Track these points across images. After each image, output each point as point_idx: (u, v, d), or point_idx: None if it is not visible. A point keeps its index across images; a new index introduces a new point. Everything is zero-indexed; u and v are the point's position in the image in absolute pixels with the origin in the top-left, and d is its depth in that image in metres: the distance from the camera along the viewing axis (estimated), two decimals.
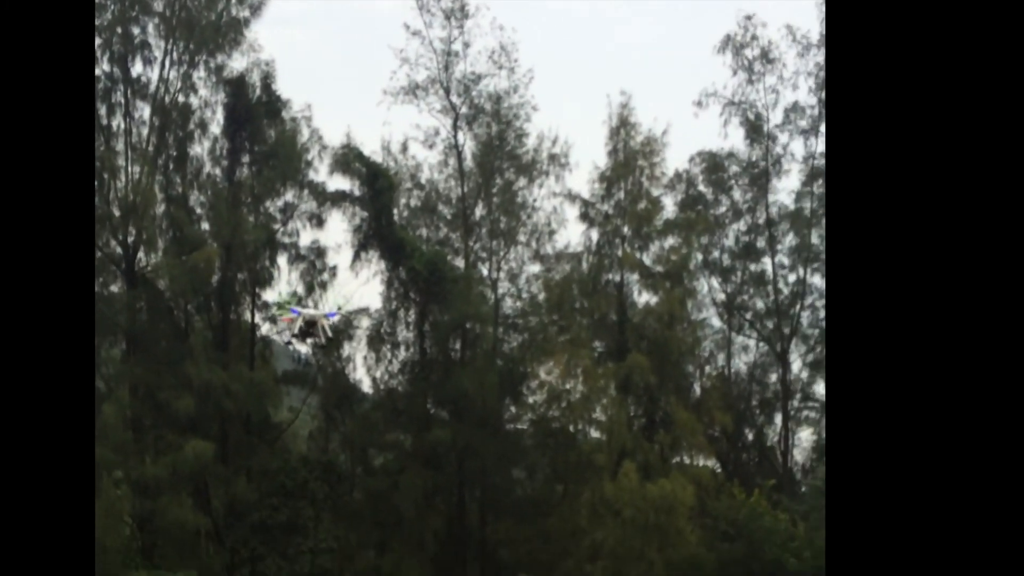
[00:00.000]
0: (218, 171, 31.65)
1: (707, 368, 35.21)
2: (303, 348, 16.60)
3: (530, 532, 30.04)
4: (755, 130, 35.30)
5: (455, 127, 33.52)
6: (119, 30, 29.90)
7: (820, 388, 35.70)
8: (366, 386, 33.44)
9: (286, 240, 32.62)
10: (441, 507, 31.16)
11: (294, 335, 15.54)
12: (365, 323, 32.84)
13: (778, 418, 35.40)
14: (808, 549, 25.59)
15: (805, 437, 35.87)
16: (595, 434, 31.09)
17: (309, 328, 14.88)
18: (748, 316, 36.56)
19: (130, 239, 29.34)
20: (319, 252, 32.86)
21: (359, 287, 39.82)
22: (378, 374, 33.06)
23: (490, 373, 31.22)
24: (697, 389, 33.74)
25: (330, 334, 15.81)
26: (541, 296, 33.87)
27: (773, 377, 36.06)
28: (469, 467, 31.74)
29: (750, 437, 35.85)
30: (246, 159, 32.10)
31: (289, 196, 32.67)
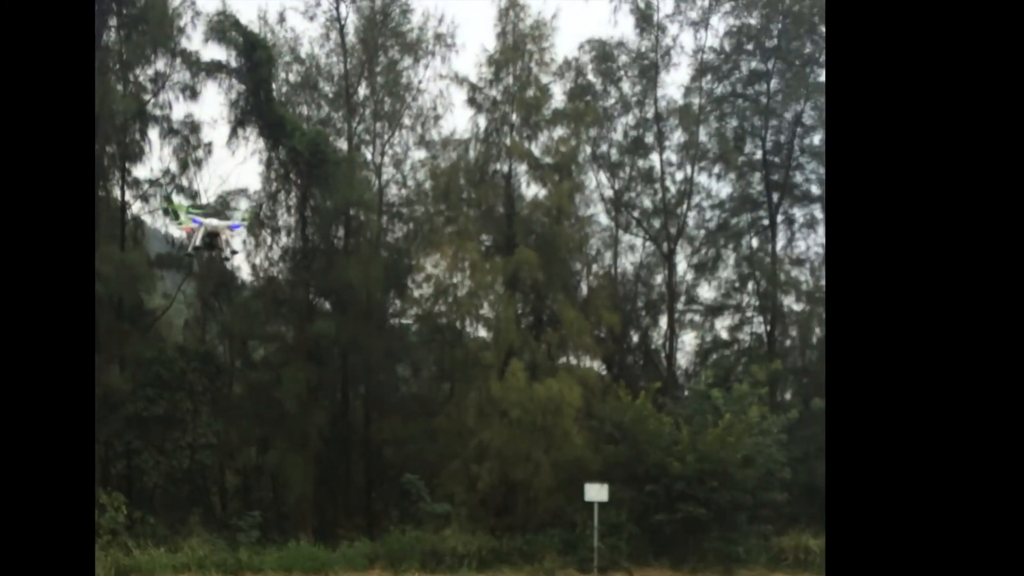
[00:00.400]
0: None
1: (594, 267, 36.47)
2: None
3: (416, 431, 31.17)
4: (645, 19, 35.89)
5: None
6: None
7: (704, 291, 38.51)
8: (245, 273, 33.48)
9: (157, 112, 32.03)
10: (324, 404, 31.60)
11: (195, 247, 15.70)
12: (243, 205, 32.58)
13: (663, 321, 36.97)
14: (691, 453, 27.26)
15: (688, 341, 38.53)
16: (482, 332, 31.89)
17: (212, 239, 15.17)
18: (635, 214, 37.82)
19: None
20: (193, 127, 32.63)
21: (236, 166, 40.07)
22: (257, 261, 33.17)
23: (374, 264, 31.59)
24: (584, 288, 34.88)
25: (235, 248, 16.18)
26: (427, 184, 34.38)
27: (659, 278, 37.84)
28: (353, 363, 32.35)
29: (635, 339, 37.34)
30: (113, 22, 30.94)
31: (160, 65, 31.88)
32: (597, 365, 33.73)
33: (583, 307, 32.78)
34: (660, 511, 27.36)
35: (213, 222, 15.18)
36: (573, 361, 32.79)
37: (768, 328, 37.57)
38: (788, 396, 36.55)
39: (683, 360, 38.31)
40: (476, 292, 31.47)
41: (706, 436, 27.80)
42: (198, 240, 14.80)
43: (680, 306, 37.89)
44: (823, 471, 22.87)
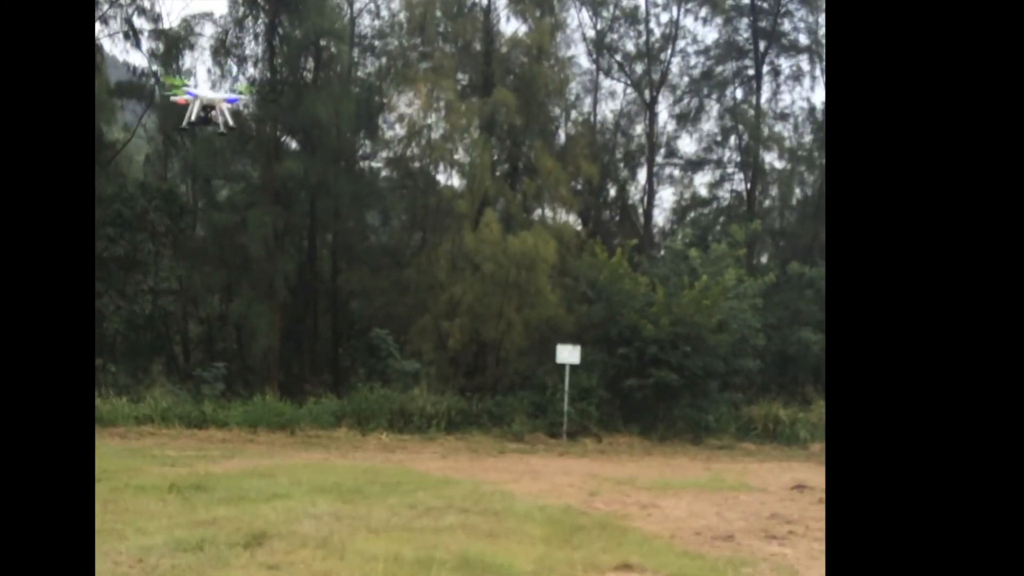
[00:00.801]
0: None
1: (573, 113, 35.58)
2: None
3: (385, 284, 30.60)
4: None
5: None
6: None
7: (684, 144, 37.97)
8: None
9: None
10: (291, 251, 31.07)
11: (189, 122, 14.93)
12: (208, 31, 31.42)
13: (642, 174, 36.51)
14: (665, 315, 27.08)
15: (666, 196, 38.18)
16: (455, 180, 31.32)
17: (206, 113, 14.41)
18: (618, 58, 36.73)
19: None
20: None
21: None
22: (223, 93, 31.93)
23: (345, 100, 30.20)
24: (562, 136, 34.09)
25: (231, 122, 15.37)
26: (402, 15, 32.68)
27: (639, 128, 37.18)
28: (321, 207, 31.67)
29: (612, 193, 36.86)
30: None
31: None
32: (572, 219, 33.23)
33: (561, 156, 31.95)
34: (632, 376, 27.47)
35: (209, 95, 14.33)
36: (548, 214, 32.48)
37: (748, 186, 37.18)
38: (764, 259, 36.39)
39: (660, 217, 38.15)
40: (451, 135, 30.53)
41: (681, 298, 27.59)
42: (193, 115, 14.04)
43: (660, 159, 37.42)
44: (796, 339, 23.05)
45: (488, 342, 28.84)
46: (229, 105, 15.32)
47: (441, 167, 31.77)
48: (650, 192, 36.23)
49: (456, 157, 31.03)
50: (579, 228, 33.05)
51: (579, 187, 32.98)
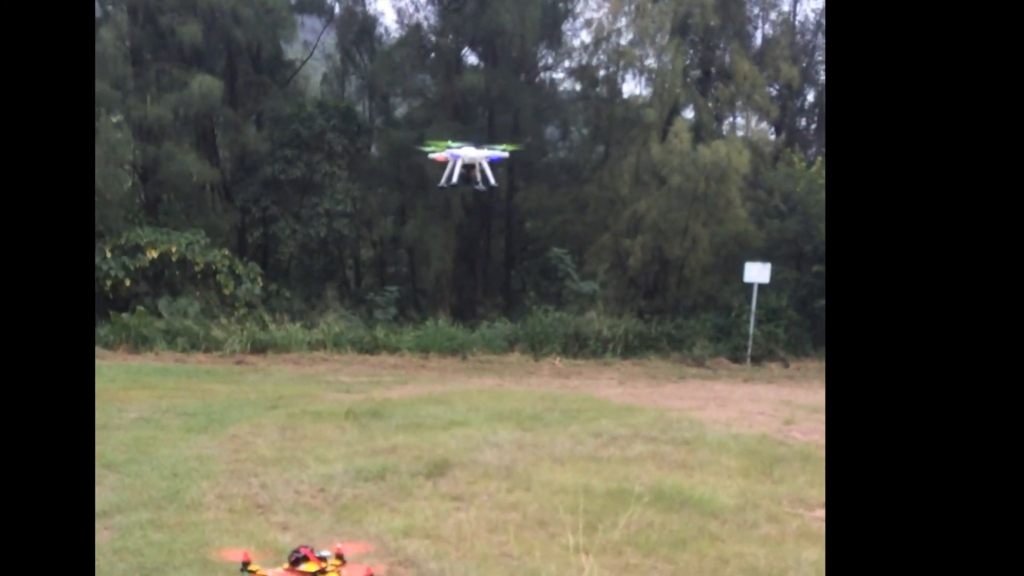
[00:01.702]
0: None
1: (772, 13, 33.34)
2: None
3: (563, 201, 30.25)
4: None
5: None
6: None
7: None
8: (389, 19, 32.35)
9: None
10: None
11: (449, 183, 14.70)
12: None
13: None
14: None
15: None
16: (643, 89, 30.36)
17: (467, 171, 14.14)
18: None
19: None
20: None
21: None
22: (403, 3, 31.68)
23: (531, 5, 29.35)
24: (759, 37, 32.47)
25: (493, 181, 14.98)
26: None
27: None
28: (500, 122, 31.16)
29: (810, 98, 34.70)
30: None
31: None
32: (766, 127, 31.61)
33: (758, 59, 30.61)
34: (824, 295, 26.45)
35: (471, 153, 14.08)
36: (740, 121, 31.37)
37: None
38: None
39: None
40: (641, 39, 29.35)
41: None
42: (455, 176, 13.84)
43: None
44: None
45: (671, 261, 28.15)
46: (491, 163, 15.09)
47: (629, 75, 30.83)
48: None
49: (647, 63, 29.95)
50: (773, 137, 31.57)
51: (775, 93, 31.61)
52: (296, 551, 4.50)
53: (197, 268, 25.04)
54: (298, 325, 24.94)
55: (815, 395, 19.80)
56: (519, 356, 24.94)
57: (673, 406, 16.39)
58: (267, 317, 25.00)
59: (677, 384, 21.49)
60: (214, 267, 25.31)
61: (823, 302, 26.03)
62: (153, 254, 24.42)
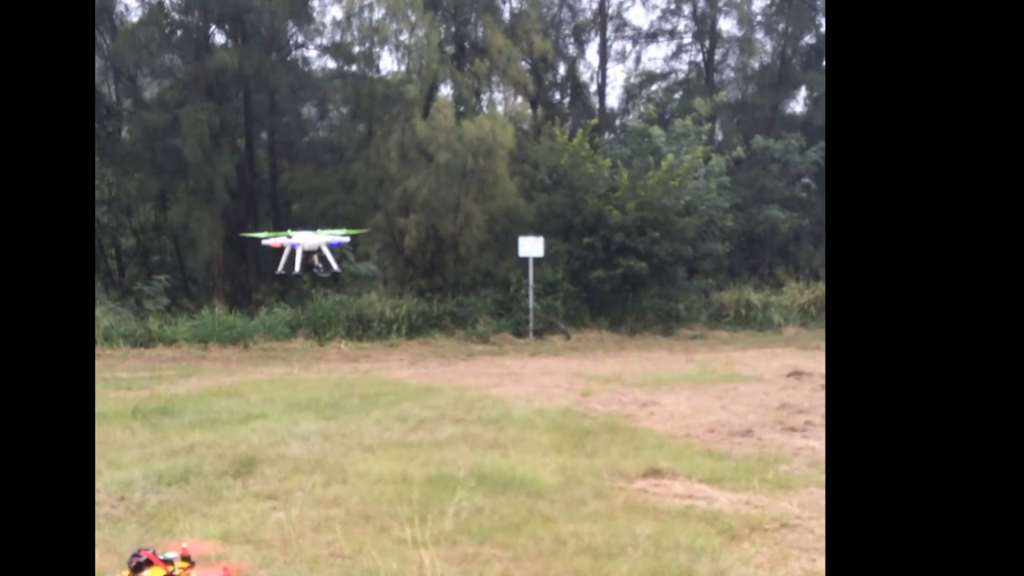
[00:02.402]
0: None
1: None
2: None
3: (330, 181, 29.73)
4: None
5: None
6: None
7: (635, 14, 36.62)
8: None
9: None
10: (228, 151, 29.68)
11: (290, 271, 13.52)
12: None
13: (590, 50, 35.45)
14: (631, 200, 26.52)
15: (616, 74, 36.92)
16: (400, 65, 29.85)
17: (308, 257, 13.13)
18: None
19: None
20: None
21: None
22: None
23: None
24: (506, 11, 32.56)
25: (335, 266, 13.87)
26: None
27: (585, 1, 35.90)
28: (256, 102, 30.38)
29: (562, 71, 35.78)
30: None
31: None
32: (523, 101, 32.00)
33: (510, 33, 30.80)
34: (598, 266, 27.11)
35: (310, 239, 12.97)
36: (498, 96, 31.56)
37: (706, 57, 36.40)
38: (721, 135, 35.62)
39: (612, 97, 37.00)
40: (393, 14, 28.92)
41: (646, 180, 27.01)
42: (296, 265, 12.70)
43: (610, 32, 36.12)
44: (763, 217, 22.91)
45: (445, 238, 28.12)
46: (331, 247, 14.04)
47: (385, 51, 30.29)
48: (603, 68, 35.25)
49: (401, 38, 29.50)
50: (531, 111, 31.96)
51: (529, 65, 31.92)
52: (136, 555, 3.86)
53: None
54: None
55: (602, 365, 20.27)
56: (303, 342, 24.31)
57: (470, 384, 16.34)
58: None
59: (467, 362, 21.50)
60: None
61: (597, 273, 27.00)
62: None
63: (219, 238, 28.14)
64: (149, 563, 3.88)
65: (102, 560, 6.71)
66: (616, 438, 10.79)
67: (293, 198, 31.25)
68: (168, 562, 3.96)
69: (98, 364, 20.72)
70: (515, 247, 26.61)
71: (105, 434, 11.50)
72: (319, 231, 14.28)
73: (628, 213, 26.78)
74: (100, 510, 8.07)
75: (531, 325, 26.27)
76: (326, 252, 11.22)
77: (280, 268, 10.68)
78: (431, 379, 17.66)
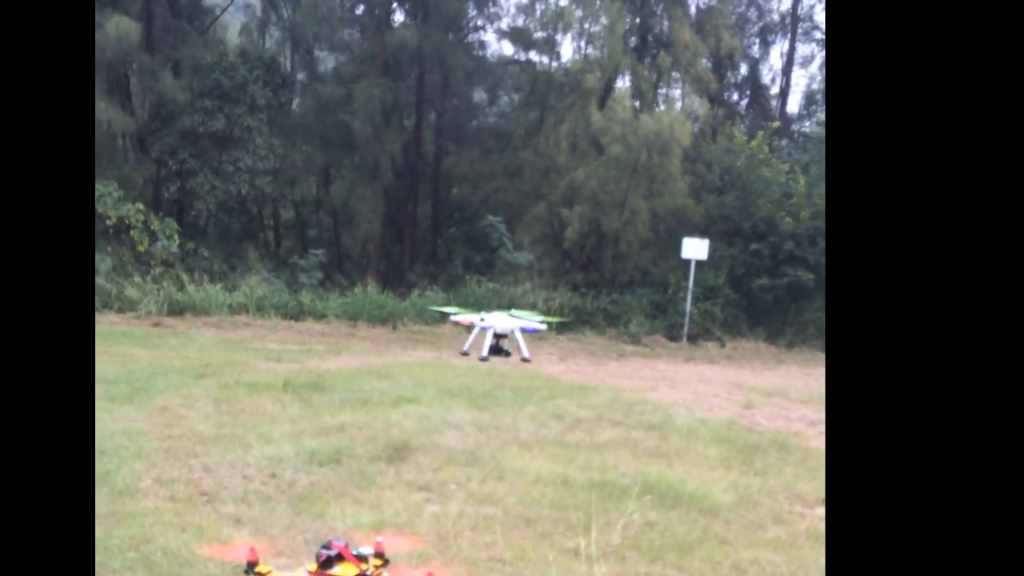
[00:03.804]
0: None
1: None
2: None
3: (495, 168, 29.50)
4: None
5: None
6: None
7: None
8: None
9: None
10: (396, 129, 29.56)
11: (481, 356, 12.87)
12: None
13: (774, 51, 34.73)
14: (805, 208, 25.79)
15: (797, 78, 35.71)
16: (581, 53, 29.32)
17: (497, 342, 12.65)
18: None
19: None
20: None
21: None
22: None
23: None
24: (694, 5, 31.61)
25: (527, 354, 13.13)
26: None
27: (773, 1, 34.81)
28: (430, 81, 30.31)
29: (743, 71, 34.71)
30: None
31: None
32: (704, 98, 31.06)
33: (696, 28, 30.08)
34: (763, 274, 26.21)
35: (503, 322, 12.51)
36: (676, 92, 30.91)
37: None
38: None
39: (792, 102, 35.82)
40: (578, 1, 28.56)
41: (823, 188, 25.92)
42: (485, 349, 12.22)
43: (800, 33, 34.80)
44: None
45: (607, 233, 27.50)
46: (525, 334, 13.36)
47: (567, 39, 30.02)
48: (788, 70, 34.05)
49: (585, 27, 29.03)
50: (708, 110, 31.09)
51: (711, 63, 31.07)
52: (327, 546, 3.41)
53: (109, 222, 23.57)
54: (218, 287, 23.79)
55: (761, 377, 19.47)
56: (452, 328, 24.11)
57: (624, 386, 15.80)
58: (185, 277, 23.80)
59: (619, 362, 20.95)
60: (127, 222, 23.91)
61: (761, 281, 26.08)
62: None
63: (378, 216, 28.25)
64: (340, 558, 3.45)
65: (253, 540, 6.50)
66: (788, 457, 10.12)
67: (455, 182, 31.17)
68: (361, 559, 3.52)
69: (249, 333, 21.07)
70: (678, 248, 25.86)
71: (256, 405, 11.45)
72: (514, 312, 13.57)
73: (801, 221, 25.88)
74: (250, 485, 7.90)
75: (686, 329, 25.54)
76: (519, 337, 10.49)
77: (465, 348, 10.00)
78: (583, 377, 17.18)
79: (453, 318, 12.48)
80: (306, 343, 19.97)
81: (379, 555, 3.48)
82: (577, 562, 6.26)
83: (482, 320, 11.28)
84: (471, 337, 11.81)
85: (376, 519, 7.04)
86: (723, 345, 25.44)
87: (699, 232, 26.36)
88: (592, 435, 10.73)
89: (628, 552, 6.60)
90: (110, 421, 10.12)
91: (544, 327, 10.43)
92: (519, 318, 12.82)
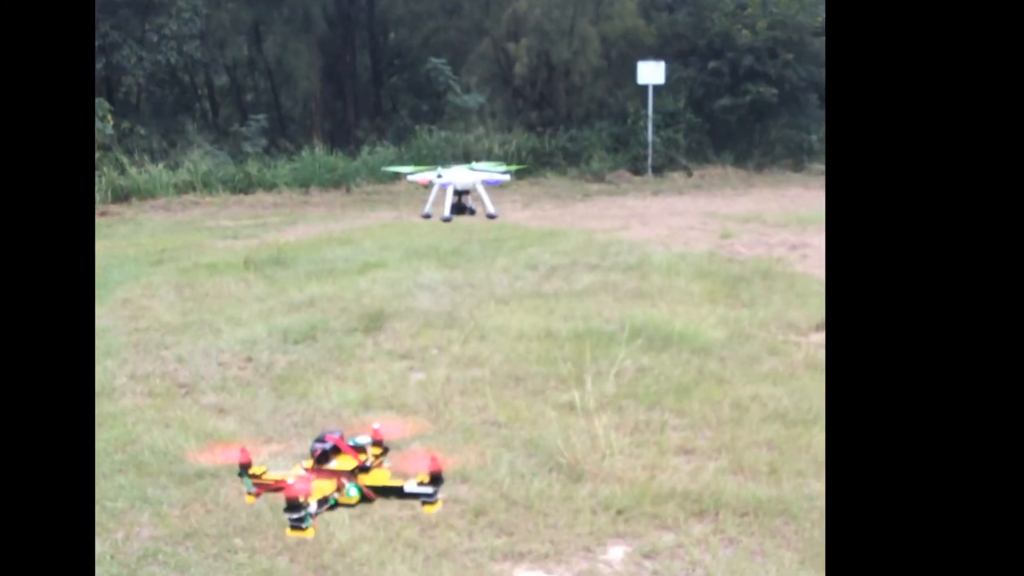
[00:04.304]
0: None
1: None
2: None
3: (433, 6, 28.49)
4: None
5: None
6: None
7: None
8: None
9: None
10: None
11: (443, 217, 12.13)
12: None
13: None
14: (762, 18, 25.33)
15: None
16: None
17: (459, 199, 11.95)
18: None
19: None
20: None
21: None
22: None
23: None
24: None
25: (492, 210, 12.49)
26: None
27: None
28: None
29: None
30: None
31: None
32: None
33: None
34: (724, 94, 26.02)
35: (463, 177, 11.73)
36: None
37: None
38: None
39: None
40: None
41: None
42: (446, 209, 11.43)
43: None
44: None
45: (558, 65, 27.01)
46: (487, 186, 12.65)
47: None
48: None
49: None
50: None
51: None
52: (320, 440, 3.28)
53: None
54: (160, 166, 23.22)
55: (734, 204, 19.57)
56: (408, 185, 23.85)
57: (594, 227, 15.83)
58: (124, 160, 23.21)
59: (585, 202, 20.96)
60: None
61: (722, 102, 25.87)
62: None
63: (316, 72, 27.54)
64: (337, 450, 3.31)
65: (240, 430, 6.50)
66: (774, 285, 10.23)
67: (392, 25, 30.30)
68: (359, 449, 3.37)
69: (199, 212, 20.79)
70: (633, 74, 25.46)
71: (220, 287, 11.35)
72: (474, 166, 13.19)
73: (759, 33, 25.52)
74: (228, 372, 7.87)
75: (650, 161, 25.43)
76: (482, 192, 10.17)
77: (426, 210, 9.66)
78: (551, 222, 17.19)
79: (409, 178, 12.20)
80: (260, 216, 19.75)
81: (377, 443, 3.34)
82: (574, 416, 6.30)
83: (439, 177, 11.03)
84: (431, 197, 11.60)
85: (362, 394, 7.05)
86: (690, 174, 25.42)
87: (653, 55, 25.88)
88: (570, 282, 10.76)
89: (625, 401, 6.67)
90: None
91: (508, 177, 10.13)
92: (480, 171, 12.55)
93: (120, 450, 6.20)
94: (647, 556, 4.59)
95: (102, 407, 7.05)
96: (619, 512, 4.99)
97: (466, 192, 11.32)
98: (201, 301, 10.66)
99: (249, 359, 8.20)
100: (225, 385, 7.53)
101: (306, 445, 6.15)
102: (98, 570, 4.57)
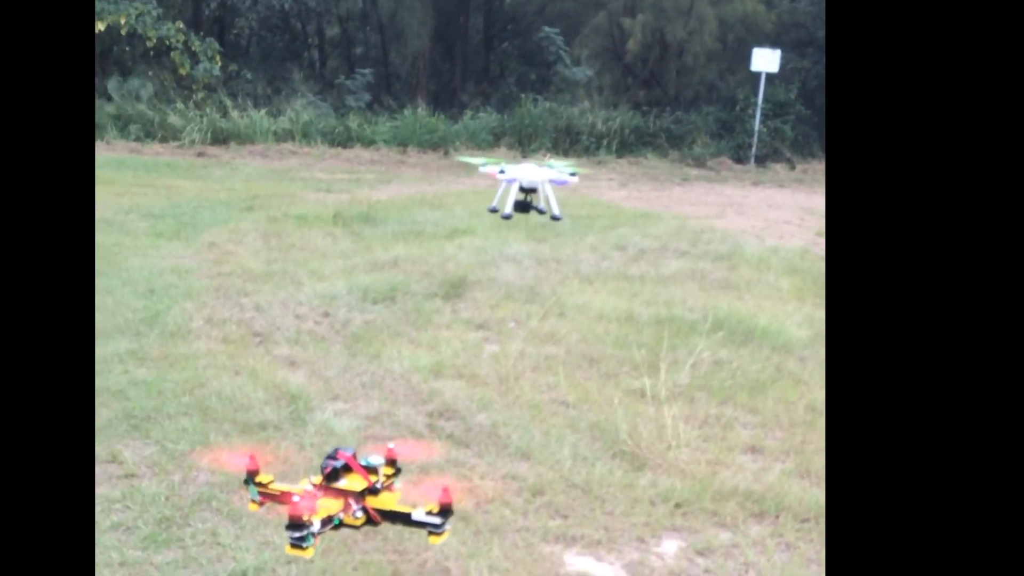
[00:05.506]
0: None
1: None
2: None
3: None
4: None
5: None
6: None
7: None
8: None
9: None
10: None
11: (504, 215, 12.08)
12: None
13: None
14: None
15: None
16: None
17: (524, 196, 11.91)
18: None
19: None
20: None
21: None
22: None
23: None
24: None
25: (557, 211, 12.41)
26: None
27: None
28: None
29: None
30: None
31: None
32: None
33: None
34: None
35: (531, 174, 11.64)
36: None
37: None
38: None
39: None
40: None
41: None
42: (508, 206, 11.42)
43: None
44: None
45: (671, 44, 26.65)
46: (555, 186, 12.53)
47: None
48: None
49: None
50: None
51: None
52: (332, 457, 3.23)
53: (149, 44, 23.34)
54: (262, 112, 23.61)
55: None
56: (506, 152, 23.87)
57: (690, 213, 15.66)
58: (228, 102, 23.62)
59: (683, 187, 20.71)
60: (167, 43, 23.59)
61: None
62: (100, 27, 22.59)
63: (427, 31, 27.56)
64: (347, 469, 3.26)
65: (308, 384, 6.57)
66: None
67: None
68: (371, 470, 3.31)
69: (295, 162, 21.05)
70: (747, 60, 25.02)
71: (307, 239, 11.49)
72: (545, 162, 13.15)
73: None
74: (303, 325, 7.97)
75: (754, 150, 25.02)
76: (549, 192, 10.17)
77: (493, 204, 9.65)
78: (646, 203, 17.04)
79: (482, 170, 12.19)
80: (355, 171, 19.93)
81: (391, 463, 3.28)
82: (644, 404, 6.25)
83: (502, 172, 11.01)
84: (499, 192, 11.63)
85: (434, 360, 7.09)
86: (793, 167, 24.98)
87: (770, 42, 25.42)
88: (657, 267, 10.66)
89: (697, 393, 6.60)
90: (158, 258, 10.23)
91: (576, 179, 10.03)
92: (548, 167, 12.45)
93: (188, 392, 6.31)
94: (701, 553, 4.55)
95: (176, 348, 7.20)
96: (677, 505, 4.95)
97: (532, 190, 11.23)
98: (286, 252, 10.81)
99: (326, 314, 8.29)
100: (299, 338, 7.62)
101: (372, 406, 6.24)
102: (152, 510, 4.67)
